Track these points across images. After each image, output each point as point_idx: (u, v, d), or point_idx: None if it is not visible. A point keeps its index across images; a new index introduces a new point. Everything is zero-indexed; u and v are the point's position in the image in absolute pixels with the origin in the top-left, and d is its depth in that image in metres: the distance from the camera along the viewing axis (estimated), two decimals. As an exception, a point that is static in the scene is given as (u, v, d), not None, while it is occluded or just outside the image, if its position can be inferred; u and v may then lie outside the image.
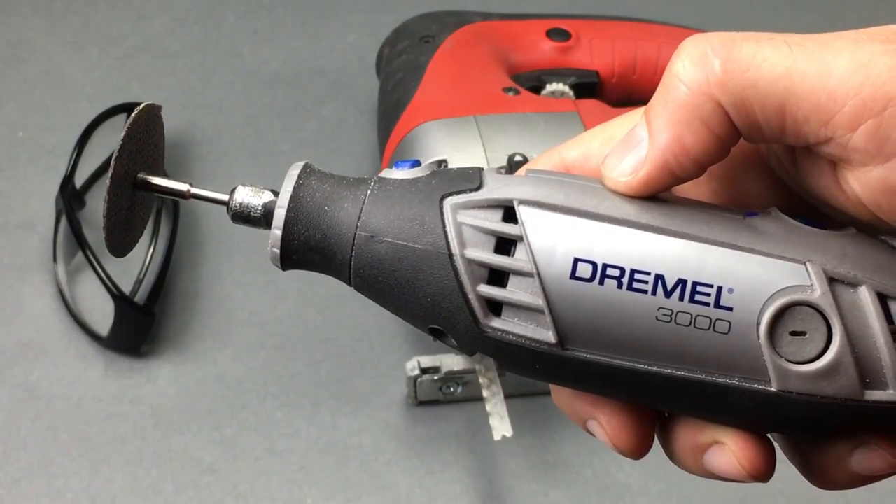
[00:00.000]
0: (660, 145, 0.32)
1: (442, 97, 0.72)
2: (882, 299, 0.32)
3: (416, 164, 0.35)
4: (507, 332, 0.33)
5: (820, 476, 0.35)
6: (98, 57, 0.90)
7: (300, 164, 0.35)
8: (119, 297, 0.67)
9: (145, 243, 0.73)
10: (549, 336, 0.33)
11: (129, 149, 0.35)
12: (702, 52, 0.32)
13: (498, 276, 0.33)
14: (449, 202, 0.33)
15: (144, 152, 0.36)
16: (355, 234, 0.34)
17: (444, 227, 0.33)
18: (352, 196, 0.34)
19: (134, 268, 0.71)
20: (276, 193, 0.35)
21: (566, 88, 0.78)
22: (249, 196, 0.36)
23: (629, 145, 0.33)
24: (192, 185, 0.36)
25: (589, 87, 0.79)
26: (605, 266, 0.32)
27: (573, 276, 0.32)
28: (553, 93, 0.78)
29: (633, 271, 0.32)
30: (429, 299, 0.33)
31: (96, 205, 0.77)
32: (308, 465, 0.66)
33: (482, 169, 0.35)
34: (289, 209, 0.34)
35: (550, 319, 0.33)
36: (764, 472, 0.34)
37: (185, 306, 0.73)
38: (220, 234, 0.77)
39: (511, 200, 0.33)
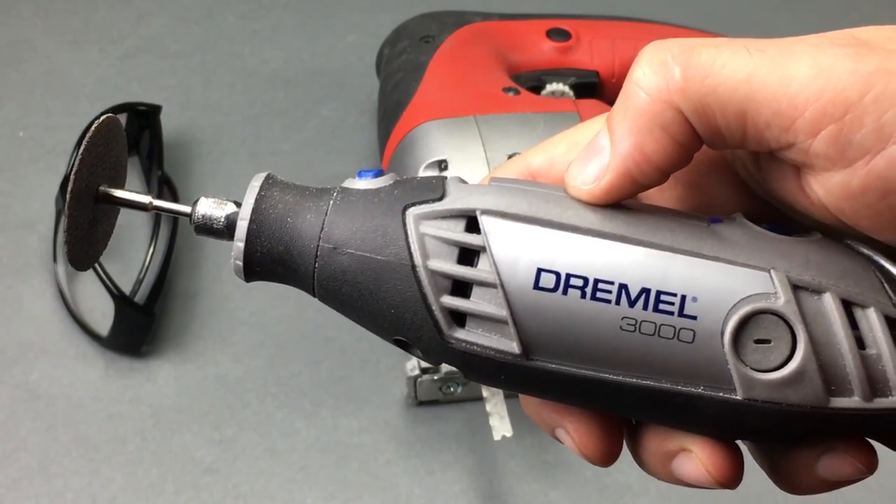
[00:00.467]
0: (621, 153, 0.32)
1: (442, 97, 0.72)
2: (846, 305, 0.32)
3: (380, 173, 0.35)
4: (472, 343, 0.33)
5: (788, 482, 0.35)
6: (98, 57, 0.90)
7: (262, 175, 0.35)
8: (119, 297, 0.67)
9: (145, 243, 0.73)
10: (514, 347, 0.33)
11: (89, 162, 0.35)
12: (661, 58, 0.32)
13: (461, 287, 0.33)
14: (411, 213, 0.33)
15: (105, 165, 0.36)
16: (318, 245, 0.34)
17: (406, 237, 0.33)
18: (314, 207, 0.34)
19: (134, 268, 0.71)
20: (238, 205, 0.35)
21: (566, 88, 0.78)
22: (212, 208, 0.35)
23: (591, 153, 0.33)
24: (154, 197, 0.36)
25: (589, 87, 0.79)
26: (568, 276, 0.32)
27: (536, 286, 0.32)
28: (553, 93, 0.78)
29: (596, 281, 0.32)
30: (392, 311, 0.33)
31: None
32: (308, 465, 0.66)
33: (445, 178, 0.35)
34: (251, 221, 0.34)
35: (514, 330, 0.32)
36: (731, 478, 0.34)
37: (185, 306, 0.73)
38: (220, 234, 0.77)
39: (473, 210, 0.33)
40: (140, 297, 0.69)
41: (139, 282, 0.70)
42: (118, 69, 0.89)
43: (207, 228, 0.35)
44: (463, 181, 0.35)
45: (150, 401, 0.68)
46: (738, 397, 0.32)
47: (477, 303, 0.33)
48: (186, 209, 0.36)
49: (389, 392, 0.69)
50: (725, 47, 0.31)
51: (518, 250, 0.32)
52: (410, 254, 0.33)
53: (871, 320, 0.32)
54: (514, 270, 0.32)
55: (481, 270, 0.32)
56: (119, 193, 0.36)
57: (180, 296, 0.73)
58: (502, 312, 0.32)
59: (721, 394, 0.32)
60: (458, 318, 0.33)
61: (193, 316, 0.73)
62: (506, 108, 0.71)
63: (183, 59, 0.90)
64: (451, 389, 0.68)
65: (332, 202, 0.34)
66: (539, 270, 0.32)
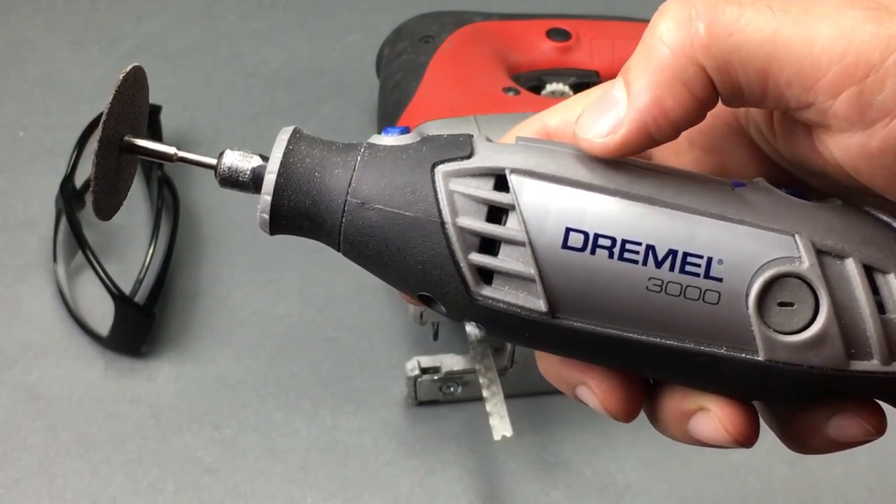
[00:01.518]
0: (639, 106, 0.32)
1: (442, 97, 0.72)
2: (868, 271, 0.32)
3: (406, 130, 0.35)
4: (498, 301, 0.33)
5: (797, 441, 0.35)
6: (98, 57, 0.90)
7: (289, 129, 0.35)
8: (119, 297, 0.67)
9: (145, 243, 0.73)
10: (540, 304, 0.33)
11: (117, 112, 0.35)
12: (685, 14, 0.32)
13: (489, 245, 0.33)
14: (440, 170, 0.33)
15: (130, 115, 0.36)
16: (346, 200, 0.34)
17: (435, 195, 0.33)
18: (342, 162, 0.34)
19: (134, 268, 0.71)
20: (265, 158, 0.35)
21: (566, 88, 0.78)
22: (238, 160, 0.35)
23: (605, 106, 0.33)
24: (178, 147, 0.36)
25: (589, 87, 0.79)
26: (596, 236, 0.33)
27: (565, 245, 0.33)
28: (553, 93, 0.78)
29: (624, 241, 0.33)
30: (419, 266, 0.33)
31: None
32: (308, 465, 0.66)
33: (472, 136, 0.35)
34: (279, 175, 0.34)
35: (541, 288, 0.33)
36: (748, 437, 0.34)
37: (185, 306, 0.73)
38: (220, 234, 0.77)
39: (503, 169, 0.33)
40: (140, 297, 0.69)
41: (139, 282, 0.70)
42: (118, 69, 0.88)
43: (233, 181, 0.35)
44: (489, 140, 0.35)
45: (150, 401, 0.68)
46: (760, 359, 0.32)
47: (505, 260, 0.33)
48: (212, 161, 0.36)
49: (389, 392, 0.69)
50: (749, 5, 0.31)
51: (547, 209, 0.33)
52: (439, 210, 0.33)
53: (892, 286, 0.32)
54: (542, 229, 0.33)
55: (510, 229, 0.33)
56: (144, 143, 0.36)
57: (180, 296, 0.73)
58: (530, 270, 0.33)
59: (743, 355, 0.32)
60: (486, 275, 0.33)
61: (193, 316, 0.73)
62: (506, 108, 0.71)
63: (183, 59, 0.90)
64: (451, 389, 0.67)
65: (359, 157, 0.34)
66: (567, 230, 0.33)
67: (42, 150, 0.82)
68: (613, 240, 0.32)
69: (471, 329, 0.67)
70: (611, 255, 0.32)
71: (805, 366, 0.32)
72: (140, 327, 0.69)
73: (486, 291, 0.33)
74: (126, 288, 0.69)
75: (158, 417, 0.68)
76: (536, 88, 0.78)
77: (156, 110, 0.79)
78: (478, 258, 0.33)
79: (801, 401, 0.34)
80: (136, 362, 0.70)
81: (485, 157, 0.34)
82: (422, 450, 0.67)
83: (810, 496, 0.66)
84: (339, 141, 0.35)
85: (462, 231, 0.33)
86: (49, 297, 0.73)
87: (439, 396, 0.68)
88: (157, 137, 0.78)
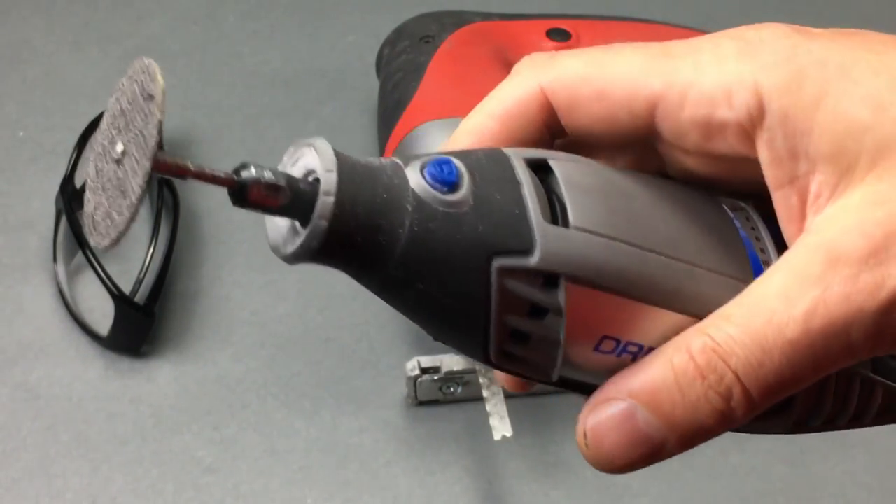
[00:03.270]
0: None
1: (442, 97, 0.72)
2: None
3: (452, 176, 0.31)
4: (515, 372, 0.34)
5: None
6: (98, 57, 0.90)
7: (325, 144, 0.31)
8: (119, 297, 0.67)
9: (145, 243, 0.73)
10: (552, 378, 0.33)
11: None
12: None
13: (522, 335, 0.32)
14: (496, 265, 0.31)
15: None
16: (388, 273, 0.31)
17: (488, 291, 0.31)
18: (388, 225, 0.30)
19: (134, 268, 0.71)
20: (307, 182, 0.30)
21: (566, 88, 0.78)
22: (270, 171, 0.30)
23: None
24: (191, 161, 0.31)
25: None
26: (627, 343, 0.33)
27: (596, 349, 0.33)
28: (553, 93, 0.78)
29: (649, 348, 0.33)
30: (451, 333, 0.33)
31: (96, 205, 0.77)
32: (308, 465, 0.66)
33: (529, 214, 0.31)
34: (333, 221, 0.30)
35: (558, 372, 0.33)
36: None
37: (185, 306, 0.73)
38: (220, 234, 0.77)
39: (560, 275, 0.31)
40: (140, 297, 0.69)
41: (139, 282, 0.70)
42: (118, 69, 0.88)
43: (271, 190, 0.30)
44: (552, 219, 0.32)
45: (150, 401, 0.68)
46: None
47: (533, 351, 0.33)
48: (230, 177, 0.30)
49: (389, 392, 0.69)
50: None
51: (591, 320, 0.32)
52: (487, 308, 0.31)
53: None
54: (580, 333, 0.32)
55: (549, 328, 0.32)
56: (175, 160, 0.30)
57: (180, 296, 0.73)
58: (554, 364, 0.33)
59: None
60: (510, 356, 0.33)
61: (193, 316, 0.73)
62: (506, 108, 0.71)
63: (183, 59, 0.90)
64: (451, 389, 0.67)
65: (408, 224, 0.30)
66: (604, 337, 0.33)
67: (42, 150, 0.82)
68: (641, 347, 0.33)
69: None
70: (634, 358, 0.33)
71: None
72: (140, 327, 0.69)
73: (506, 365, 0.33)
74: (126, 288, 0.69)
75: (158, 417, 0.68)
76: (536, 88, 0.78)
77: (156, 110, 0.79)
78: (509, 346, 0.32)
79: None
80: (136, 362, 0.70)
81: (546, 256, 0.31)
82: (422, 450, 0.67)
83: (810, 496, 0.66)
84: (372, 162, 0.31)
85: (503, 325, 0.32)
86: (49, 297, 0.73)
87: (439, 396, 0.68)
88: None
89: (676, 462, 0.68)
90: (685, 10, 0.94)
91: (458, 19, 0.81)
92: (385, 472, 0.66)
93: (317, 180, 0.30)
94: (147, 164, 0.28)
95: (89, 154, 0.32)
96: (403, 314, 0.33)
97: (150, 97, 0.30)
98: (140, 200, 0.29)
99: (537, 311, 0.32)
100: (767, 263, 0.35)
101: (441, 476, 0.66)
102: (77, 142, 0.76)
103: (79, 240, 0.70)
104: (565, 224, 0.32)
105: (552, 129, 0.36)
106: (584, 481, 0.66)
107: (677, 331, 0.32)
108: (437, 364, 0.67)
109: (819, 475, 0.66)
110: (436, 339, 0.34)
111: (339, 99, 0.87)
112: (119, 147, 0.30)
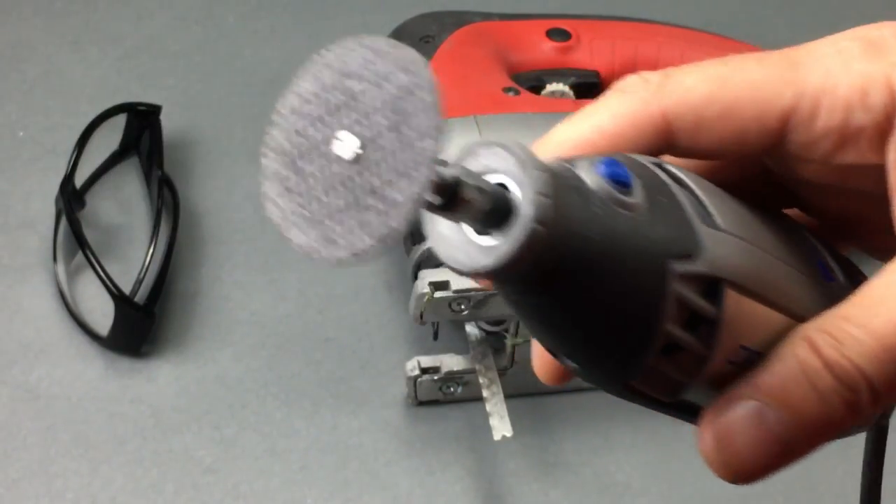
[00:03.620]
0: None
1: (441, 97, 0.72)
2: None
3: (627, 176, 0.29)
4: (641, 394, 0.32)
5: None
6: (98, 57, 0.90)
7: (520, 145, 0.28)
8: (119, 297, 0.67)
9: (145, 243, 0.73)
10: (676, 397, 0.32)
11: None
12: None
13: (670, 349, 0.30)
14: (670, 269, 0.29)
15: None
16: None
17: (662, 299, 0.29)
18: (583, 229, 0.28)
19: (134, 268, 0.71)
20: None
21: (566, 88, 0.78)
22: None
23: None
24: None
25: (589, 87, 0.79)
26: (757, 353, 0.32)
27: (730, 360, 0.32)
28: (553, 93, 0.78)
29: (760, 354, 0.32)
30: (596, 354, 0.31)
31: (96, 205, 0.77)
32: (308, 465, 0.66)
33: (689, 217, 0.30)
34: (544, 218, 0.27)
35: (691, 388, 0.32)
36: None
37: (185, 306, 0.73)
38: (220, 234, 0.77)
39: (720, 279, 0.30)
40: (140, 297, 0.69)
41: (139, 282, 0.70)
42: (118, 69, 0.89)
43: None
44: (709, 219, 0.31)
45: (150, 401, 0.68)
46: None
47: (675, 367, 0.31)
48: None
49: (389, 392, 0.69)
50: None
51: (738, 329, 0.31)
52: (657, 316, 0.29)
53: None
54: (724, 345, 0.31)
55: (702, 340, 0.30)
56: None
57: (180, 296, 0.73)
58: (691, 380, 0.31)
59: None
60: (654, 372, 0.31)
61: (193, 316, 0.73)
62: (506, 108, 0.71)
63: (183, 59, 0.90)
64: (451, 389, 0.67)
65: (598, 228, 0.28)
66: (741, 347, 0.32)
67: (42, 150, 0.82)
68: (759, 353, 0.32)
69: (471, 329, 0.67)
70: (749, 366, 0.32)
71: None
72: (140, 327, 0.69)
73: (639, 386, 0.31)
74: (126, 288, 0.69)
75: (158, 417, 0.68)
76: (536, 88, 0.78)
77: (156, 110, 0.79)
78: (653, 360, 0.30)
79: None
80: (136, 362, 0.70)
81: (710, 259, 0.30)
82: (422, 450, 0.67)
83: (810, 496, 0.66)
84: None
85: (664, 335, 0.30)
86: (49, 297, 0.73)
87: (439, 396, 0.68)
88: (157, 137, 0.78)
89: (677, 462, 0.68)
90: (685, 10, 0.94)
91: (458, 19, 0.81)
92: (385, 472, 0.66)
93: (501, 185, 0.27)
94: (425, 173, 0.24)
95: (268, 150, 0.27)
96: (540, 324, 0.30)
97: (418, 88, 0.25)
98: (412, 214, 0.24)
99: (694, 321, 0.30)
100: (833, 271, 0.35)
101: (441, 476, 0.66)
102: (77, 142, 0.76)
103: (79, 240, 0.70)
104: (715, 228, 0.31)
105: (658, 153, 0.34)
106: (583, 481, 0.66)
107: (784, 334, 0.32)
108: (437, 364, 0.67)
109: (819, 475, 0.66)
110: (568, 356, 0.31)
111: (339, 99, 0.87)
112: (351, 143, 0.26)
